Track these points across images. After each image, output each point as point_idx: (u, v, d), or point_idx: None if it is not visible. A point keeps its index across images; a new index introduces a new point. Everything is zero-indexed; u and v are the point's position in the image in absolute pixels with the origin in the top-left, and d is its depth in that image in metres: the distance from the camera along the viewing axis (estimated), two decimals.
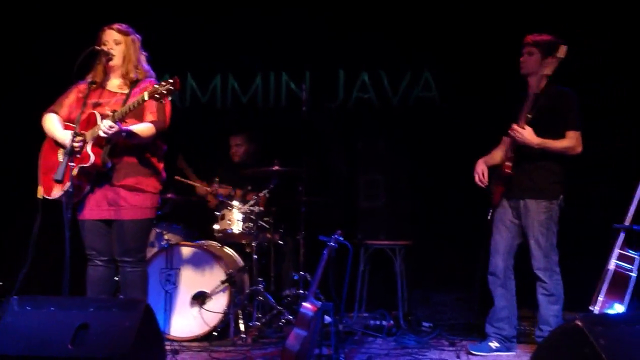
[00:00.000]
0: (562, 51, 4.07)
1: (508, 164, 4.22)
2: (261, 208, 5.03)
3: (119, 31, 3.83)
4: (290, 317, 4.74)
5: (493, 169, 4.41)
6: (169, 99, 3.75)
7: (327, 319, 4.10)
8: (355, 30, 5.98)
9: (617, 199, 5.03)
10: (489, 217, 4.42)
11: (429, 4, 5.83)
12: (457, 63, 5.77)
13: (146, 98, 3.55)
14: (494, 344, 4.31)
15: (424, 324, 5.13)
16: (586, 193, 5.22)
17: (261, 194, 5.08)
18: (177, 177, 5.38)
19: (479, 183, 4.40)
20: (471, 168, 4.48)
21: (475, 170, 4.43)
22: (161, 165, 3.91)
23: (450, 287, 5.35)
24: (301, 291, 4.88)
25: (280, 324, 4.82)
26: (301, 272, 4.94)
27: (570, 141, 4.20)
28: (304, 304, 3.78)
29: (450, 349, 4.49)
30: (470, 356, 4.29)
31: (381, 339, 4.82)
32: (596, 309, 4.04)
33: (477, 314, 5.08)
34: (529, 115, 4.13)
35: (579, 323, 2.64)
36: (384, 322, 5.01)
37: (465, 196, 4.72)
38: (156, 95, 3.52)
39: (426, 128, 5.84)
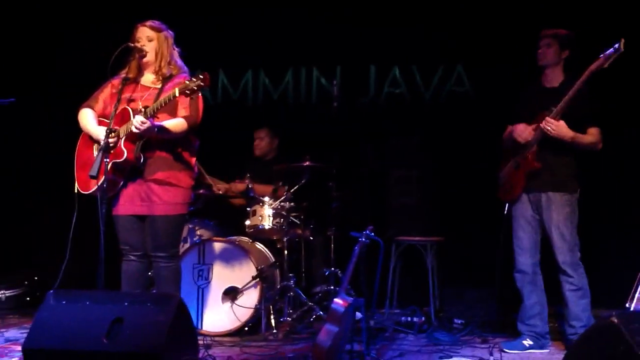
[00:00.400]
0: (622, 44, 3.95)
1: (534, 157, 4.17)
2: (291, 204, 5.04)
3: (152, 28, 3.86)
4: (321, 312, 4.75)
5: (506, 160, 4.37)
6: (200, 94, 3.78)
7: (359, 315, 4.10)
8: (386, 25, 5.95)
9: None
10: (505, 212, 4.37)
11: None
12: (489, 57, 5.71)
13: (177, 94, 3.58)
14: (527, 342, 4.27)
15: (456, 320, 5.08)
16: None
17: (292, 190, 5.08)
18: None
19: (518, 138, 4.24)
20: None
21: (521, 128, 4.26)
22: (193, 160, 3.93)
23: (482, 283, 5.30)
24: (332, 287, 4.87)
25: (311, 319, 4.82)
26: (332, 268, 4.94)
27: (594, 137, 4.17)
28: (335, 299, 3.76)
29: (483, 346, 4.45)
30: (503, 354, 4.26)
31: (412, 335, 4.80)
32: (633, 306, 3.98)
33: (497, 311, 5.03)
34: (559, 109, 4.06)
35: (615, 320, 2.59)
36: (416, 319, 4.99)
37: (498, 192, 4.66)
38: (187, 91, 3.55)
39: (459, 123, 5.79)
